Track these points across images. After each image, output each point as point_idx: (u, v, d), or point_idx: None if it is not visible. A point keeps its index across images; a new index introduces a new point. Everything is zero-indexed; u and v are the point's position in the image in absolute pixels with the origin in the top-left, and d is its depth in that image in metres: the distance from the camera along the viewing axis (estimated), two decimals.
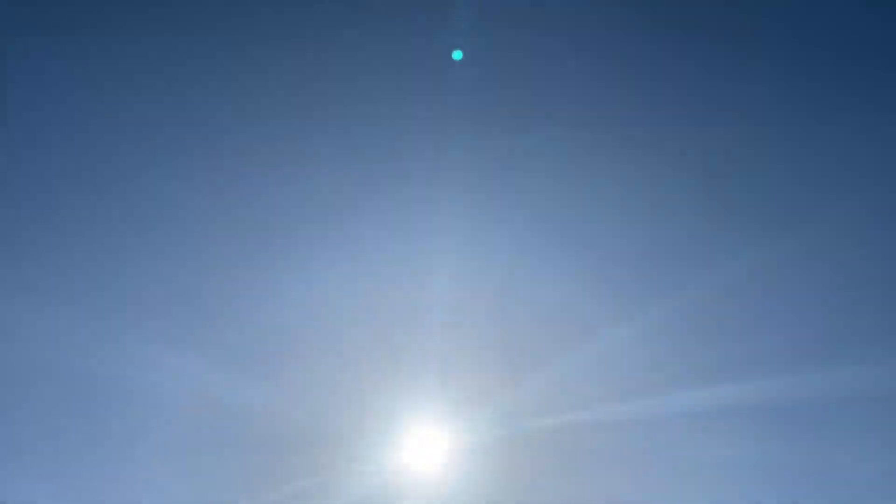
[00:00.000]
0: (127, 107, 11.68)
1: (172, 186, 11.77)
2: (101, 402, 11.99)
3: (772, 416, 12.17)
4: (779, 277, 11.98)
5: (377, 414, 11.99)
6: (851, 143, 11.88)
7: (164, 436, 11.98)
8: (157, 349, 11.70)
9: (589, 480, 12.27)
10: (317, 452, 11.97)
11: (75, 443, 11.92)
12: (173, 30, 11.59)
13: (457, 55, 11.58)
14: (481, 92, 11.74)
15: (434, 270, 11.83)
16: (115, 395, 11.96)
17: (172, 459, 12.01)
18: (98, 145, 11.80)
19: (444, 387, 12.06)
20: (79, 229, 11.88)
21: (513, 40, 11.82)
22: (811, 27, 11.95)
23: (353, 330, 11.96)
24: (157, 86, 11.64)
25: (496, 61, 11.79)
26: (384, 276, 11.91)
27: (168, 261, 11.89)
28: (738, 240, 12.05)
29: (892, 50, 11.81)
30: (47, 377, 11.76)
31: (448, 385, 12.05)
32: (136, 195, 11.75)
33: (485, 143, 11.67)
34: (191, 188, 11.81)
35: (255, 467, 12.09)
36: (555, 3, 11.90)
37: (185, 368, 11.80)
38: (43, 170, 11.72)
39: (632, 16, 11.94)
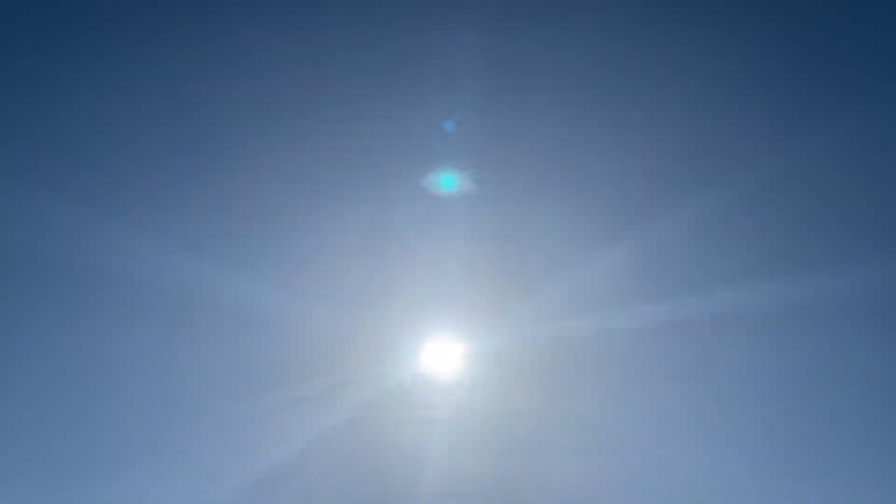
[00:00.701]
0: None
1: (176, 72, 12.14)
2: (103, 299, 12.57)
3: (786, 320, 12.58)
4: (790, 183, 12.35)
5: (392, 320, 12.59)
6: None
7: (174, 337, 12.62)
8: (167, 249, 12.19)
9: (603, 387, 12.85)
10: (330, 356, 12.64)
11: (70, 336, 12.57)
12: None
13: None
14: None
15: (451, 181, 12.33)
16: (122, 294, 12.51)
17: (185, 361, 12.66)
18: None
19: (459, 294, 12.58)
20: (79, 116, 12.28)
21: None
22: None
23: (370, 237, 12.54)
24: None
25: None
26: (401, 188, 12.48)
27: (176, 151, 12.36)
28: (750, 148, 12.42)
29: None
30: (42, 266, 12.30)
31: (463, 293, 12.58)
32: (138, 79, 12.08)
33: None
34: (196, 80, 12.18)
35: (268, 368, 12.81)
36: None
37: (200, 269, 12.33)
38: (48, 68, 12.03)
39: None
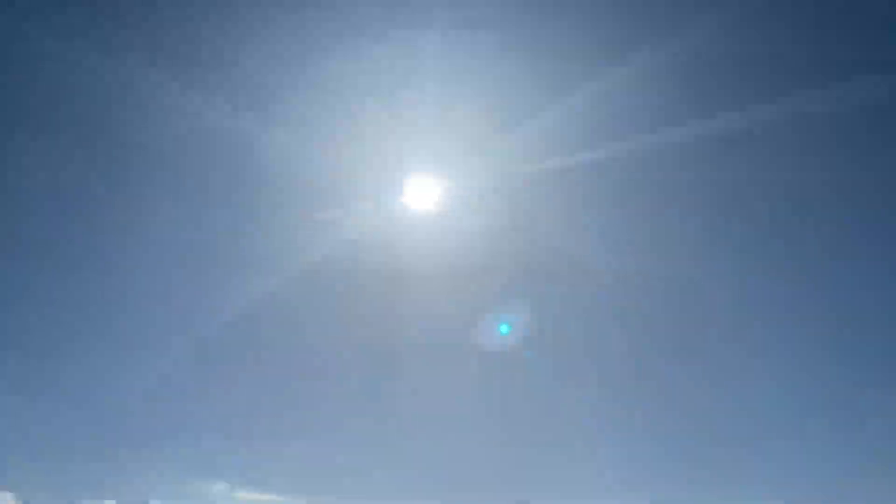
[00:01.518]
0: None
1: None
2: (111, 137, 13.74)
3: (772, 138, 13.01)
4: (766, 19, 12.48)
5: (378, 158, 13.09)
6: None
7: (171, 173, 13.75)
8: (166, 82, 12.94)
9: (590, 220, 13.43)
10: (318, 194, 13.37)
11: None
12: None
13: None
14: None
15: (431, 19, 12.48)
16: (128, 136, 13.64)
17: (178, 194, 13.84)
18: None
19: (443, 131, 12.92)
20: None
21: None
22: None
23: (355, 77, 12.96)
24: None
25: None
26: (384, 28, 12.75)
27: (195, 19, 13.07)
28: None
29: None
30: (59, 97, 13.51)
31: (447, 129, 12.90)
32: None
33: None
34: None
35: (262, 204, 13.73)
36: None
37: (196, 105, 12.99)
38: None
39: None
